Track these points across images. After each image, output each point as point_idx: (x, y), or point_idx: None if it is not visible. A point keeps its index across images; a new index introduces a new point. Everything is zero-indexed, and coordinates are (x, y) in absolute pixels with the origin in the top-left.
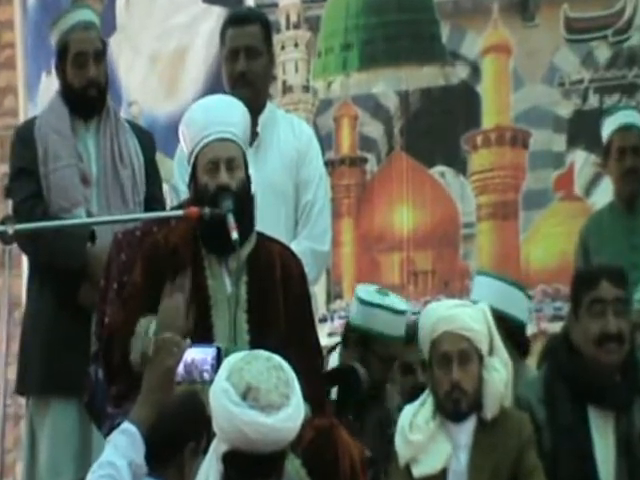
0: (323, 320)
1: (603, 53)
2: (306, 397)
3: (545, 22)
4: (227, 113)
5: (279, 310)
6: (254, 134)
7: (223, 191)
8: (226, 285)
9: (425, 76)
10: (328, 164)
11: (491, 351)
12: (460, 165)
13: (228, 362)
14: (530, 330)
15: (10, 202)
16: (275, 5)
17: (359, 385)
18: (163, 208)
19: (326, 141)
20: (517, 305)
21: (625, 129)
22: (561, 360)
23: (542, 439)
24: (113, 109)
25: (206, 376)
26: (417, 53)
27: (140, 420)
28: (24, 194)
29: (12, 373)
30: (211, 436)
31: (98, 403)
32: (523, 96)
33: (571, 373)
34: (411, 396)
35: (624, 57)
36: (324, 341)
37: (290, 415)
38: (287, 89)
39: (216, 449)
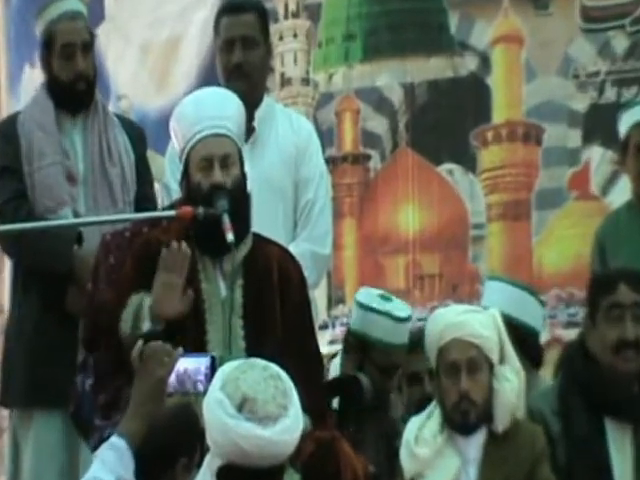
0: (324, 327)
1: (621, 43)
2: (306, 408)
3: (559, 10)
4: (221, 107)
5: (276, 316)
6: (250, 129)
7: (217, 190)
8: (221, 289)
9: (432, 68)
10: (329, 161)
11: (502, 359)
12: (469, 162)
13: (222, 371)
14: (543, 337)
15: None
16: None
17: (362, 395)
18: (154, 208)
19: (327, 137)
20: (530, 312)
21: None
22: (576, 369)
23: (556, 452)
24: (101, 103)
25: (199, 387)
26: (423, 43)
27: (129, 433)
28: (7, 194)
29: None
30: (205, 450)
31: (85, 414)
32: (536, 89)
33: (586, 382)
34: (418, 408)
35: None
36: (325, 349)
37: (288, 427)
38: (285, 82)
39: (210, 464)
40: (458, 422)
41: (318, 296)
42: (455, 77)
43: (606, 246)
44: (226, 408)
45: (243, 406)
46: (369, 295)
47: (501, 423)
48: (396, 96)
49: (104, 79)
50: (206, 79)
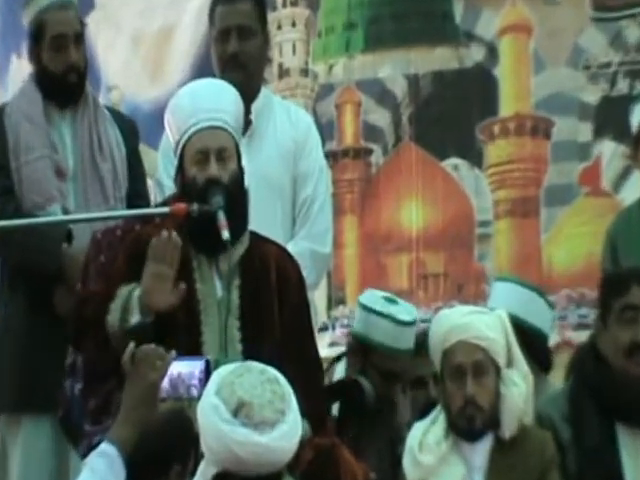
0: (324, 329)
1: (633, 33)
2: (304, 413)
3: None
4: (217, 99)
5: (274, 317)
6: (247, 122)
7: (213, 185)
8: (216, 289)
9: (437, 58)
10: (329, 156)
11: (509, 363)
12: (475, 157)
13: (218, 375)
14: (552, 340)
15: None
16: None
17: (363, 400)
18: (147, 205)
19: (327, 130)
20: (539, 314)
21: None
22: (587, 372)
23: (566, 460)
24: (92, 95)
25: (193, 391)
26: (428, 33)
27: (120, 440)
28: None
29: None
30: (199, 457)
31: (74, 419)
32: (545, 81)
33: (597, 386)
34: (423, 413)
35: None
36: (325, 352)
37: (286, 433)
38: (284, 73)
39: (204, 472)
40: (463, 428)
41: (317, 297)
42: (461, 68)
43: (618, 244)
44: (221, 413)
45: (239, 411)
46: (373, 297)
47: (508, 429)
48: (399, 88)
49: (94, 70)
50: (201, 70)
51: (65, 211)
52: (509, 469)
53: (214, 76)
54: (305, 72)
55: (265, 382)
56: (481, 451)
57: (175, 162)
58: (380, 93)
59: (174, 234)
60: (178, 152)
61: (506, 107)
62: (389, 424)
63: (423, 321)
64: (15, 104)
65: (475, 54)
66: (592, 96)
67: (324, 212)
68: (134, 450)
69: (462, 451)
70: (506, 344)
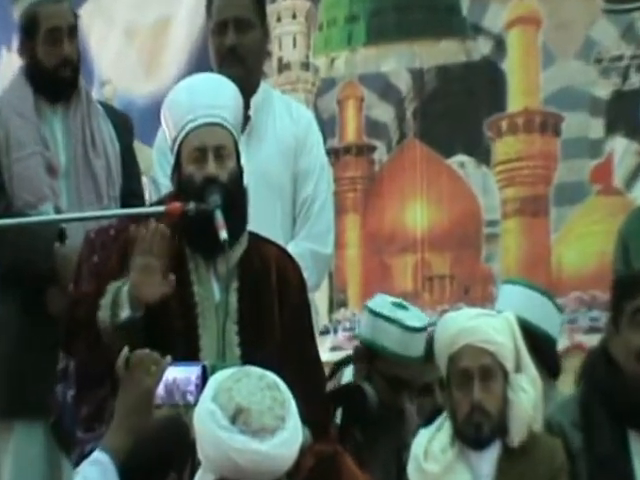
0: (325, 332)
1: None
2: (305, 420)
3: None
4: (217, 95)
5: (274, 321)
6: (246, 118)
7: (211, 183)
8: (214, 291)
9: (442, 52)
10: (330, 153)
11: (518, 368)
12: (482, 154)
13: (215, 380)
14: (562, 344)
15: None
16: None
17: (365, 406)
18: (142, 204)
19: (328, 126)
20: (548, 317)
21: None
22: (598, 377)
23: (577, 468)
24: (85, 90)
25: (190, 398)
26: (433, 25)
27: (113, 448)
28: None
29: None
30: (196, 465)
31: (66, 426)
32: (554, 75)
33: (609, 391)
34: (429, 420)
35: None
36: (326, 356)
37: (286, 440)
38: (284, 67)
39: None
40: (470, 435)
41: (319, 299)
42: (467, 62)
43: (630, 245)
44: (218, 420)
45: (237, 418)
46: (381, 301)
47: (516, 436)
48: (403, 82)
49: (87, 64)
50: (198, 64)
51: (57, 210)
52: (517, 478)
53: (211, 70)
54: (306, 66)
55: (264, 388)
56: (488, 459)
57: (171, 159)
58: (383, 88)
59: (161, 225)
60: (175, 149)
61: (514, 102)
62: (396, 433)
63: (429, 325)
64: (5, 99)
65: (482, 47)
66: (603, 90)
67: (325, 211)
68: (128, 458)
69: (468, 459)
70: (514, 348)
